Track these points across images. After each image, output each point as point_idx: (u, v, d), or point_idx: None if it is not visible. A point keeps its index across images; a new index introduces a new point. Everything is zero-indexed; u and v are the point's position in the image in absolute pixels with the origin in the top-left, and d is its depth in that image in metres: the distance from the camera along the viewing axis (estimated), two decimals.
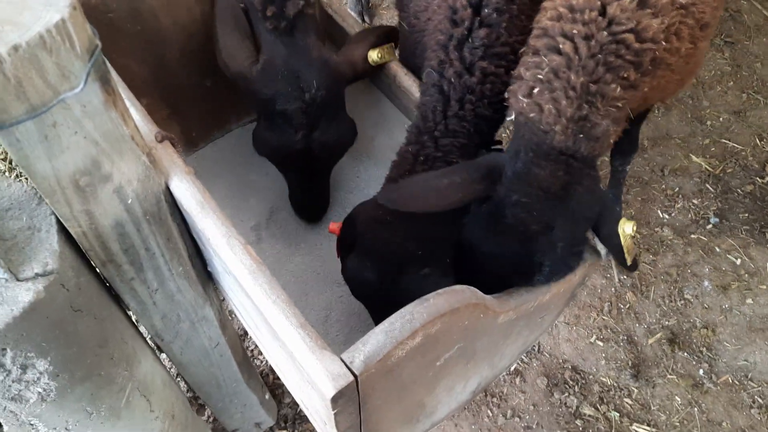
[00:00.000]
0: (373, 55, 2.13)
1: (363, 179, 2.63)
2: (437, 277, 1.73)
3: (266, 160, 2.68)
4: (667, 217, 3.22)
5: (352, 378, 1.26)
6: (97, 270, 1.59)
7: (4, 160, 1.45)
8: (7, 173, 1.45)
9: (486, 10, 1.74)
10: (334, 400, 1.26)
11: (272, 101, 2.03)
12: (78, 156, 1.29)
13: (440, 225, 1.72)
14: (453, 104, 1.76)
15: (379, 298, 1.83)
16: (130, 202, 1.48)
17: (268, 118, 2.11)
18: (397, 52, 2.29)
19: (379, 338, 1.32)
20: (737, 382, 2.86)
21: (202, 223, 1.52)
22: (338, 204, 2.57)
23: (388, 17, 3.93)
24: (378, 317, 1.85)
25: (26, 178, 1.44)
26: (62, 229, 1.43)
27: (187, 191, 1.55)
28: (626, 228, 1.59)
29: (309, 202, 2.40)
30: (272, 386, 2.82)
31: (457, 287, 1.46)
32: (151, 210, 1.54)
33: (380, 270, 1.75)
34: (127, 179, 1.44)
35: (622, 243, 1.61)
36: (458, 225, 1.71)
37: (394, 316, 1.36)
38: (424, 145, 1.78)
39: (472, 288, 1.50)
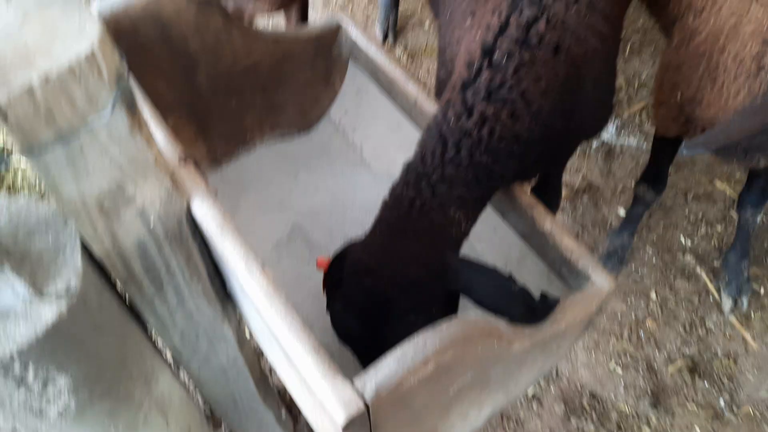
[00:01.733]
0: None
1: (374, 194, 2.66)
2: (423, 324, 1.61)
3: (290, 178, 2.72)
4: (690, 243, 3.18)
5: (363, 405, 1.27)
6: (119, 288, 1.63)
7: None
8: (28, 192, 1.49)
9: (496, 54, 1.75)
10: (346, 427, 1.27)
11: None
12: (103, 179, 1.33)
13: (429, 272, 1.70)
14: (450, 148, 1.72)
15: (363, 344, 1.80)
16: (152, 223, 1.51)
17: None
18: None
19: (391, 366, 1.33)
20: (758, 414, 2.81)
21: (222, 246, 1.55)
22: (357, 223, 2.60)
23: (412, 37, 3.97)
24: (363, 362, 1.83)
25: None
26: (86, 249, 1.47)
27: (207, 213, 1.58)
28: None
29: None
30: (289, 404, 2.84)
31: (471, 317, 1.47)
32: (172, 231, 1.58)
33: (364, 316, 1.72)
34: (149, 201, 1.48)
35: None
36: (451, 279, 1.70)
37: (407, 344, 1.37)
38: (422, 190, 1.72)
39: (486, 317, 1.50)
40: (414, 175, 1.79)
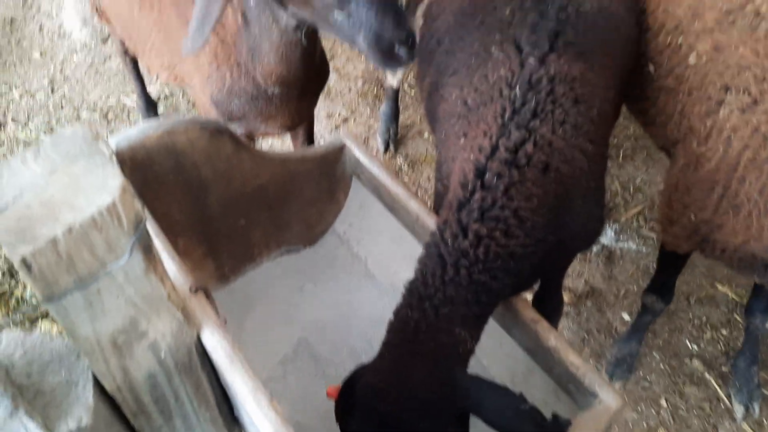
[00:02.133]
0: None
1: (388, 312, 2.67)
2: None
3: (296, 291, 2.77)
4: (696, 348, 3.18)
5: None
6: (128, 420, 1.64)
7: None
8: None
9: (487, 175, 1.84)
10: None
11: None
12: (118, 318, 1.38)
13: (439, 392, 1.72)
14: (449, 269, 1.78)
15: None
16: (163, 355, 1.55)
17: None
18: None
19: None
20: None
21: (231, 377, 1.57)
22: (363, 337, 2.62)
23: (413, 146, 4.13)
24: None
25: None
26: (98, 383, 1.50)
27: (217, 344, 1.61)
28: None
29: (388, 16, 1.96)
30: None
31: None
32: (182, 361, 1.61)
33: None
34: (161, 334, 1.52)
35: None
36: (461, 397, 1.71)
37: None
38: (426, 313, 1.76)
39: None
40: (417, 297, 1.83)
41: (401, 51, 1.88)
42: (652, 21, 2.44)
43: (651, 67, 2.43)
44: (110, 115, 4.26)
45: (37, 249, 1.15)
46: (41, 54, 4.61)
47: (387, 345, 1.84)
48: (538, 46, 2.01)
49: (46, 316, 3.30)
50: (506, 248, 1.82)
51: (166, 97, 4.34)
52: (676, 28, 2.31)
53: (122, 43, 3.60)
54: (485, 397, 1.76)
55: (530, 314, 2.06)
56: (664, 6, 2.38)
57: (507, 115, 1.93)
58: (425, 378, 1.77)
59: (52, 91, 4.39)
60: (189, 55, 2.06)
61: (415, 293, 1.84)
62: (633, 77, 2.50)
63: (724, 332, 3.23)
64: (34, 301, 3.37)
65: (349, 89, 4.39)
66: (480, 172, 1.88)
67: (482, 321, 1.93)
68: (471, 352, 1.88)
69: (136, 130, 2.06)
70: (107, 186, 1.25)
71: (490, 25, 2.16)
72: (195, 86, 2.55)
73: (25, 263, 1.15)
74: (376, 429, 1.73)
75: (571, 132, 1.94)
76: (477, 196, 1.84)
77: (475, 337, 1.90)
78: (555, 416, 1.73)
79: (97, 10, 3.21)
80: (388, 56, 1.90)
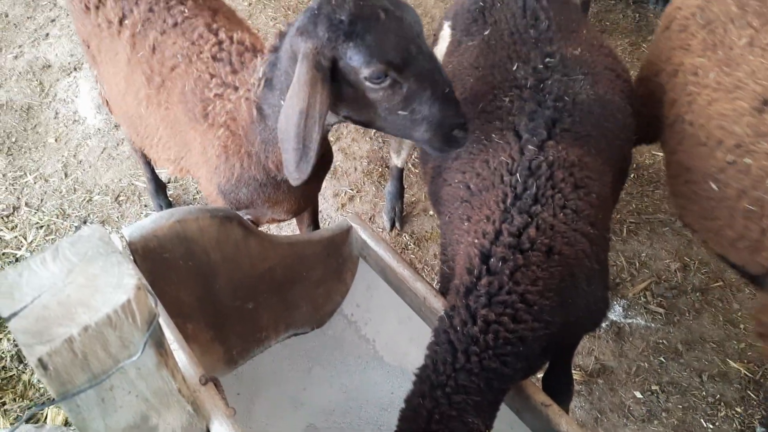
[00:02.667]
0: None
1: (397, 395, 2.66)
2: None
3: (305, 374, 2.76)
4: (711, 426, 3.12)
5: None
6: None
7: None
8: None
9: (492, 260, 1.88)
10: None
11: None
12: (129, 413, 1.39)
13: None
14: (460, 356, 1.79)
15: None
16: None
17: (362, 32, 1.89)
18: None
19: None
20: None
21: None
22: (372, 422, 2.59)
23: (418, 224, 4.18)
24: None
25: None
26: None
27: None
28: None
29: (447, 106, 2.02)
30: None
31: None
32: None
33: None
34: (171, 428, 1.52)
35: None
36: None
37: None
38: (438, 401, 1.77)
39: None
40: (428, 385, 1.83)
41: (459, 134, 2.04)
42: (698, 132, 2.39)
43: (713, 185, 2.36)
44: (121, 198, 4.35)
45: (54, 349, 1.18)
46: (56, 139, 4.75)
47: None
48: (536, 133, 2.09)
49: (53, 401, 3.28)
50: (515, 333, 1.84)
51: (176, 179, 4.44)
52: (738, 146, 2.25)
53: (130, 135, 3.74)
54: None
55: (541, 398, 2.05)
56: (715, 121, 2.33)
57: (509, 200, 1.98)
58: None
59: (66, 175, 4.50)
60: (298, 182, 2.09)
61: (427, 381, 1.85)
62: (689, 191, 2.47)
63: (738, 410, 3.18)
64: (41, 386, 3.36)
65: (355, 168, 4.49)
66: (485, 257, 1.92)
67: (495, 407, 1.92)
68: None
69: (149, 220, 2.12)
70: (123, 285, 1.28)
71: (490, 113, 2.25)
72: (201, 177, 2.63)
73: (42, 363, 1.18)
74: None
75: (572, 216, 1.99)
76: (483, 281, 1.87)
77: (489, 425, 1.89)
78: None
79: (107, 103, 3.34)
80: (447, 141, 2.05)
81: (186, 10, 2.60)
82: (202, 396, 1.66)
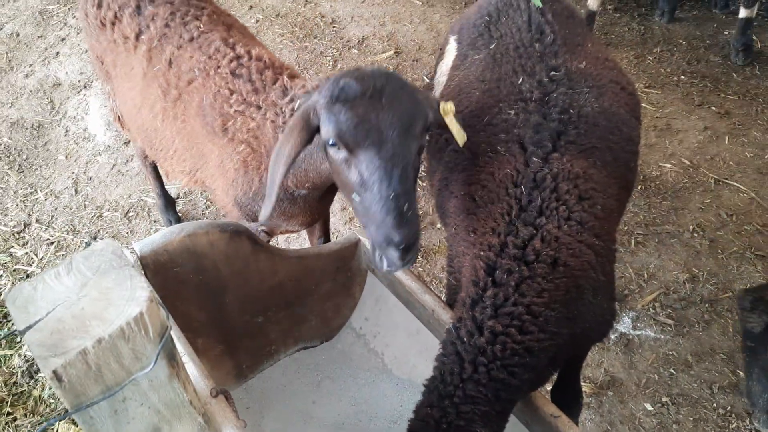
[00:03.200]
0: (448, 107, 2.08)
1: (406, 408, 2.66)
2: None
3: (314, 387, 2.76)
4: None
5: None
6: None
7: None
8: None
9: (497, 272, 1.89)
10: None
11: (336, 82, 1.96)
12: (141, 425, 1.41)
13: None
14: (467, 366, 1.81)
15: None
16: None
17: (334, 97, 1.94)
18: None
19: None
20: None
21: None
22: None
23: (426, 237, 4.20)
24: None
25: None
26: None
27: None
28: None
29: (395, 217, 1.88)
30: None
31: None
32: None
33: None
34: None
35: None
36: None
37: None
38: (446, 411, 1.79)
39: None
40: (436, 396, 1.84)
41: (392, 254, 1.82)
42: None
43: None
44: (131, 213, 4.39)
45: (68, 361, 1.20)
46: (66, 156, 4.81)
47: None
48: (541, 145, 2.10)
49: (65, 414, 3.29)
50: (522, 344, 1.84)
51: (185, 194, 4.48)
52: None
53: (142, 149, 3.77)
54: None
55: (550, 409, 2.05)
56: None
57: (514, 212, 2.00)
58: None
59: (76, 191, 4.55)
60: (264, 219, 2.15)
61: (435, 392, 1.85)
62: None
63: (749, 422, 3.15)
64: (51, 401, 3.37)
65: None
66: (491, 269, 1.93)
67: (503, 418, 1.93)
68: None
69: (159, 235, 2.14)
70: (135, 297, 1.30)
71: (496, 125, 2.27)
72: (217, 189, 2.65)
73: (57, 375, 1.19)
74: None
75: (576, 227, 2.00)
76: (489, 292, 1.88)
77: None
78: None
79: (119, 119, 3.38)
80: (381, 251, 1.86)
81: (201, 25, 2.64)
82: (213, 408, 1.67)
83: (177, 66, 2.61)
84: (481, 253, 1.97)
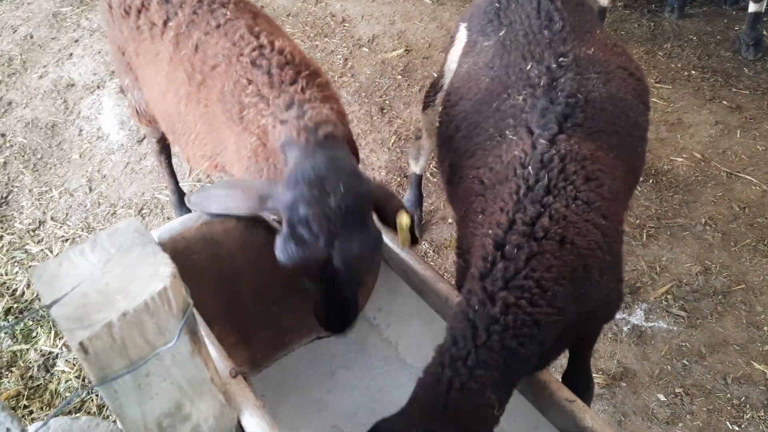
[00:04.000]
0: (404, 219, 2.23)
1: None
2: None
3: (328, 377, 2.79)
4: (737, 429, 3.09)
5: None
6: None
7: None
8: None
9: (507, 247, 1.91)
10: None
11: (295, 205, 2.02)
12: (164, 400, 1.43)
13: None
14: (481, 333, 1.82)
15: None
16: None
17: (290, 225, 2.06)
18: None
19: None
20: None
21: None
22: None
23: (437, 232, 4.21)
24: None
25: (107, 410, 1.57)
26: None
27: (257, 425, 1.64)
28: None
29: (335, 312, 2.31)
30: None
31: None
32: None
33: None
34: (204, 417, 1.56)
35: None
36: None
37: None
38: (459, 372, 1.79)
39: None
40: (449, 358, 1.84)
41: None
42: None
43: None
44: (144, 211, 4.43)
45: (94, 334, 1.23)
46: (80, 155, 4.86)
47: (415, 400, 1.86)
48: (548, 128, 2.13)
49: (79, 409, 3.33)
50: (531, 316, 1.87)
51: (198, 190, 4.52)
52: None
53: (158, 143, 3.81)
54: None
55: (565, 394, 2.06)
56: None
57: (522, 191, 2.02)
58: None
59: (90, 189, 4.60)
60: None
61: (446, 354, 1.86)
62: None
63: (762, 413, 3.15)
64: (68, 394, 3.41)
65: (373, 178, 4.53)
66: (499, 245, 1.95)
67: (510, 389, 1.94)
68: (497, 420, 1.88)
69: (177, 222, 2.17)
70: (159, 273, 1.33)
71: (504, 111, 2.29)
72: (236, 174, 2.69)
73: (83, 347, 1.22)
74: None
75: (583, 207, 2.02)
76: (499, 266, 1.91)
77: (502, 406, 1.91)
78: None
79: (137, 112, 3.42)
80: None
81: (228, 13, 2.68)
82: (233, 388, 1.70)
83: (203, 51, 2.65)
84: (490, 231, 1.99)
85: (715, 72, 5.06)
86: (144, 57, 2.96)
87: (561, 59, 2.31)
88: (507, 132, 2.20)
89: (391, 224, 2.23)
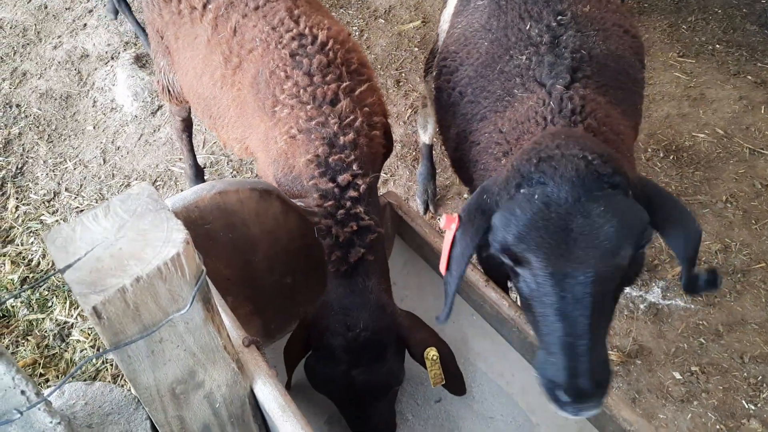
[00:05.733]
0: (431, 354, 2.15)
1: None
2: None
3: None
4: (753, 408, 3.06)
5: None
6: None
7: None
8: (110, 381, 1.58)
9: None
10: None
11: (322, 335, 2.14)
12: (177, 367, 1.42)
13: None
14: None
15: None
16: (218, 406, 1.57)
17: (318, 350, 2.20)
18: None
19: None
20: None
21: (283, 426, 1.59)
22: (407, 394, 2.59)
23: (452, 207, 4.17)
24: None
25: (122, 380, 1.57)
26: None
27: (269, 394, 1.64)
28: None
29: (368, 429, 2.29)
30: None
31: None
32: (235, 413, 1.63)
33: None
34: (216, 385, 1.55)
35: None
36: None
37: None
38: None
39: None
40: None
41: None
42: None
43: None
44: (158, 183, 4.43)
45: (107, 298, 1.21)
46: (94, 127, 4.85)
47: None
48: (561, 77, 2.11)
49: (94, 378, 3.36)
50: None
51: (211, 164, 4.50)
52: None
53: (183, 121, 3.82)
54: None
55: None
56: None
57: (549, 118, 1.98)
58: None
59: (104, 161, 4.59)
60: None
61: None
62: None
63: None
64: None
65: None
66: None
67: None
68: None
69: (191, 191, 2.15)
70: (172, 239, 1.31)
71: (509, 72, 2.26)
72: (260, 160, 2.66)
73: (96, 312, 1.21)
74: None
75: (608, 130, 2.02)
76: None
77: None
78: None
79: (169, 93, 3.40)
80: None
81: None
82: (246, 356, 1.69)
83: (240, 34, 2.59)
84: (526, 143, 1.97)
85: (740, 46, 4.93)
86: (183, 41, 2.92)
87: (559, 17, 2.29)
88: (516, 91, 2.18)
89: (419, 358, 2.17)
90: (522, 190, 1.60)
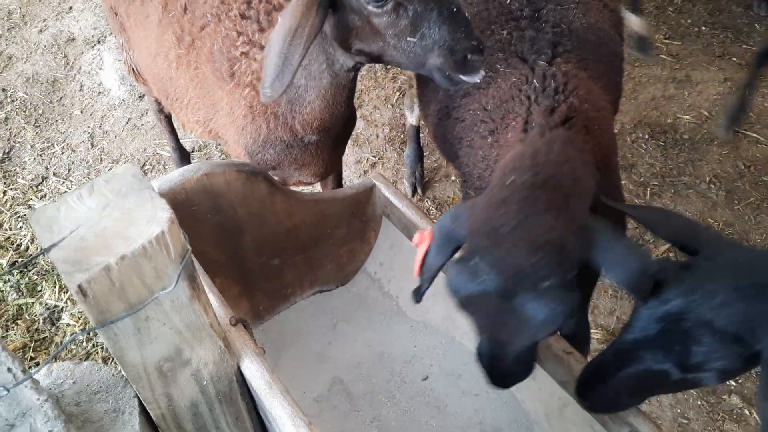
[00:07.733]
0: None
1: (420, 349, 2.70)
2: (559, 290, 1.53)
3: (329, 329, 2.81)
4: (734, 384, 3.12)
5: None
6: None
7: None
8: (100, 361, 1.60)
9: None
10: None
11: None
12: (164, 345, 1.45)
13: (562, 233, 1.56)
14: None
15: (488, 312, 1.65)
16: (205, 383, 1.60)
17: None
18: None
19: None
20: None
21: (269, 403, 1.61)
22: (396, 374, 2.63)
23: (440, 189, 4.20)
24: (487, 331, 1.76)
25: (113, 362, 1.59)
26: (143, 411, 1.55)
27: (256, 372, 1.66)
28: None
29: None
30: None
31: None
32: (223, 390, 1.66)
33: (491, 281, 1.55)
34: (204, 363, 1.57)
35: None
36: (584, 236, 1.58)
37: None
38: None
39: None
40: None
41: (474, 58, 1.94)
42: None
43: None
44: (146, 167, 4.42)
45: (92, 276, 1.23)
46: (82, 111, 4.83)
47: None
48: (543, 53, 2.13)
49: (86, 359, 3.38)
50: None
51: (200, 148, 4.50)
52: None
53: (157, 102, 3.76)
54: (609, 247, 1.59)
55: (562, 345, 2.07)
56: None
57: (533, 97, 2.00)
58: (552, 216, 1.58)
59: (92, 145, 4.58)
60: (268, 100, 2.07)
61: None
62: None
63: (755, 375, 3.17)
64: (73, 347, 3.45)
65: (377, 136, 4.50)
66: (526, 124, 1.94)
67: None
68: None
69: (177, 173, 2.16)
70: (156, 218, 1.33)
71: (491, 47, 2.27)
72: (229, 139, 2.66)
73: (81, 290, 1.23)
74: (490, 269, 1.56)
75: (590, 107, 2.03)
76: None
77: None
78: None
79: (134, 72, 3.37)
80: (462, 67, 1.95)
81: None
82: (233, 335, 1.71)
83: (191, 11, 2.59)
84: (512, 126, 1.99)
85: (726, 28, 4.96)
86: (135, 19, 2.90)
87: None
88: (498, 66, 2.19)
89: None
90: (469, 263, 1.61)
